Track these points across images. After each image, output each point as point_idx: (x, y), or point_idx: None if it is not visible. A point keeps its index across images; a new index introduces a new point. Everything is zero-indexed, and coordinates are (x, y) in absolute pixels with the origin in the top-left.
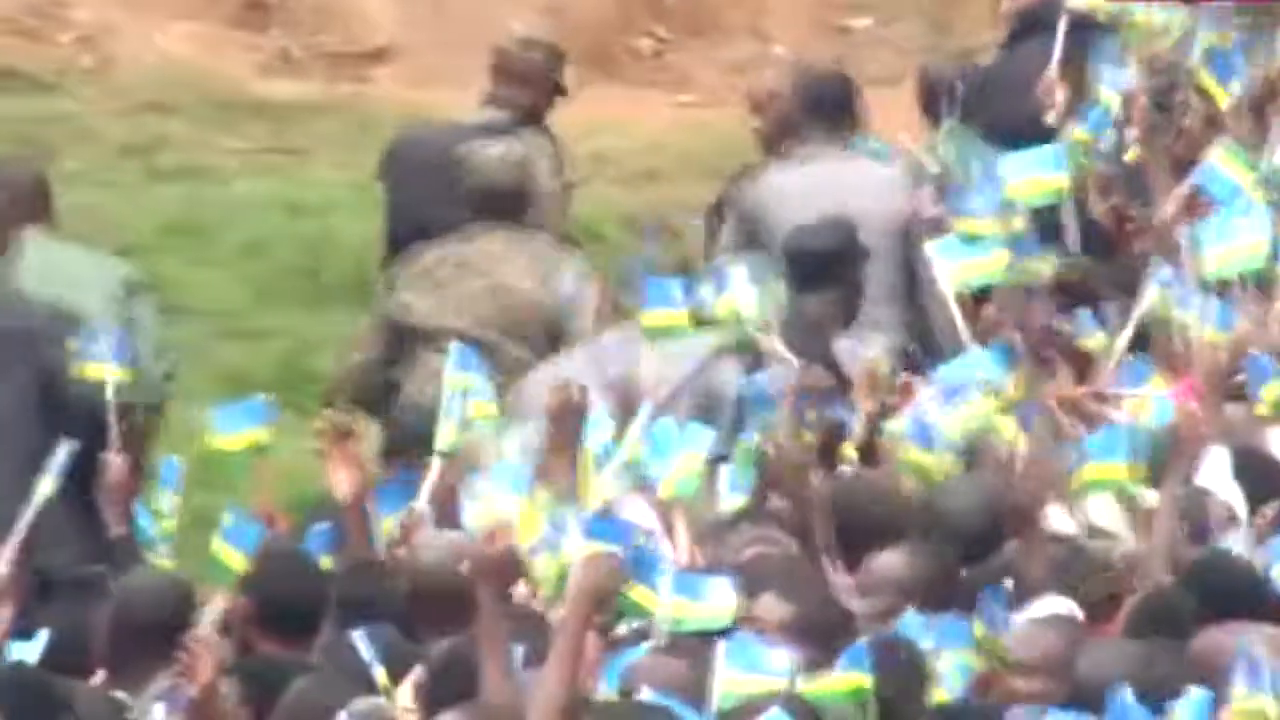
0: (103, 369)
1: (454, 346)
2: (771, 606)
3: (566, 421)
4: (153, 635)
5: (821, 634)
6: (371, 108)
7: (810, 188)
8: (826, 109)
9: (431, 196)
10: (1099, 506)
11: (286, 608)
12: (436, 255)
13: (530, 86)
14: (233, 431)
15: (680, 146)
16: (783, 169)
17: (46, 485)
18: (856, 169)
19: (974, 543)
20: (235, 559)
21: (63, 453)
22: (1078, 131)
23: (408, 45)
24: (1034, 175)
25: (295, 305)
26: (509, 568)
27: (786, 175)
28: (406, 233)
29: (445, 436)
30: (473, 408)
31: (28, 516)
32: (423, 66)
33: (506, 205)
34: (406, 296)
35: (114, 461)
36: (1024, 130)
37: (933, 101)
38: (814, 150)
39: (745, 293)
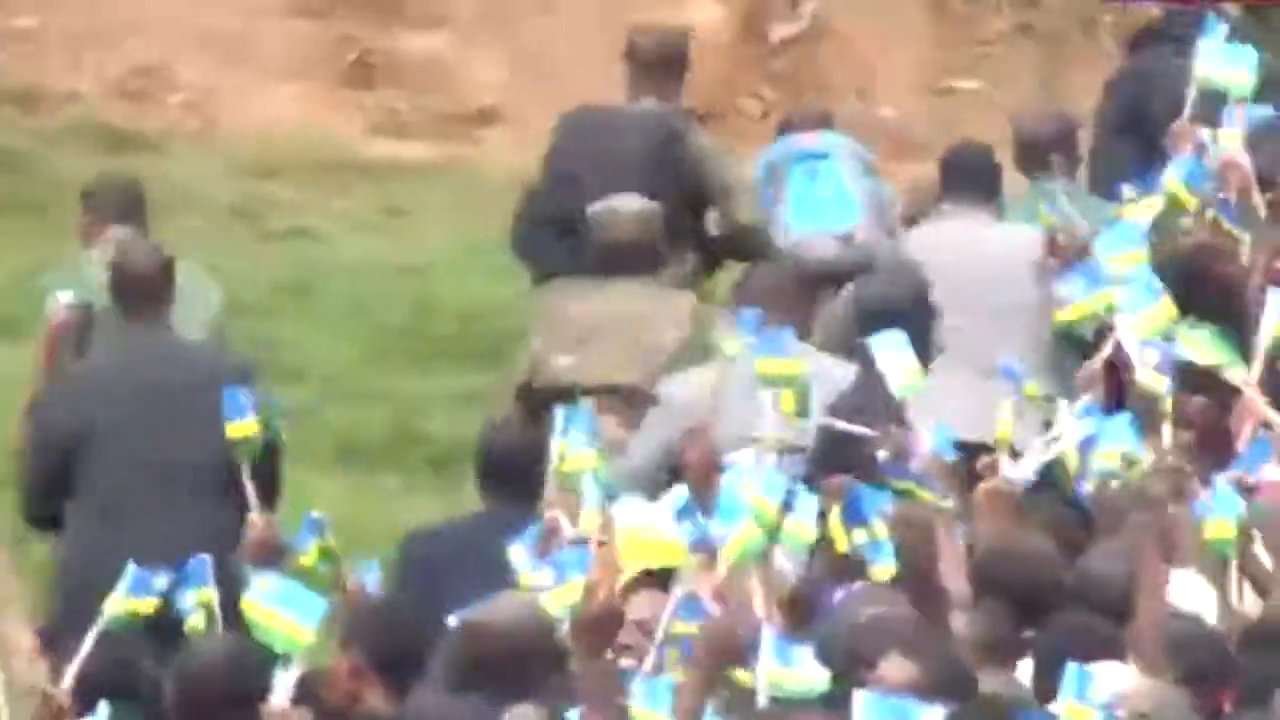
0: (243, 427)
1: (559, 412)
2: (898, 666)
3: (704, 472)
4: (224, 708)
5: (948, 694)
6: (478, 169)
7: (951, 244)
8: (969, 170)
9: (589, 176)
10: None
11: (398, 658)
12: (577, 312)
13: (677, 78)
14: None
15: None
16: (926, 226)
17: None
18: (997, 226)
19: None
20: (300, 630)
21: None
22: (1173, 181)
23: (514, 107)
24: (1123, 251)
25: (402, 366)
26: (610, 624)
27: (930, 232)
28: (552, 212)
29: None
30: (571, 462)
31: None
32: (529, 128)
33: (642, 260)
34: (548, 356)
35: (256, 522)
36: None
37: (1030, 156)
38: (956, 209)
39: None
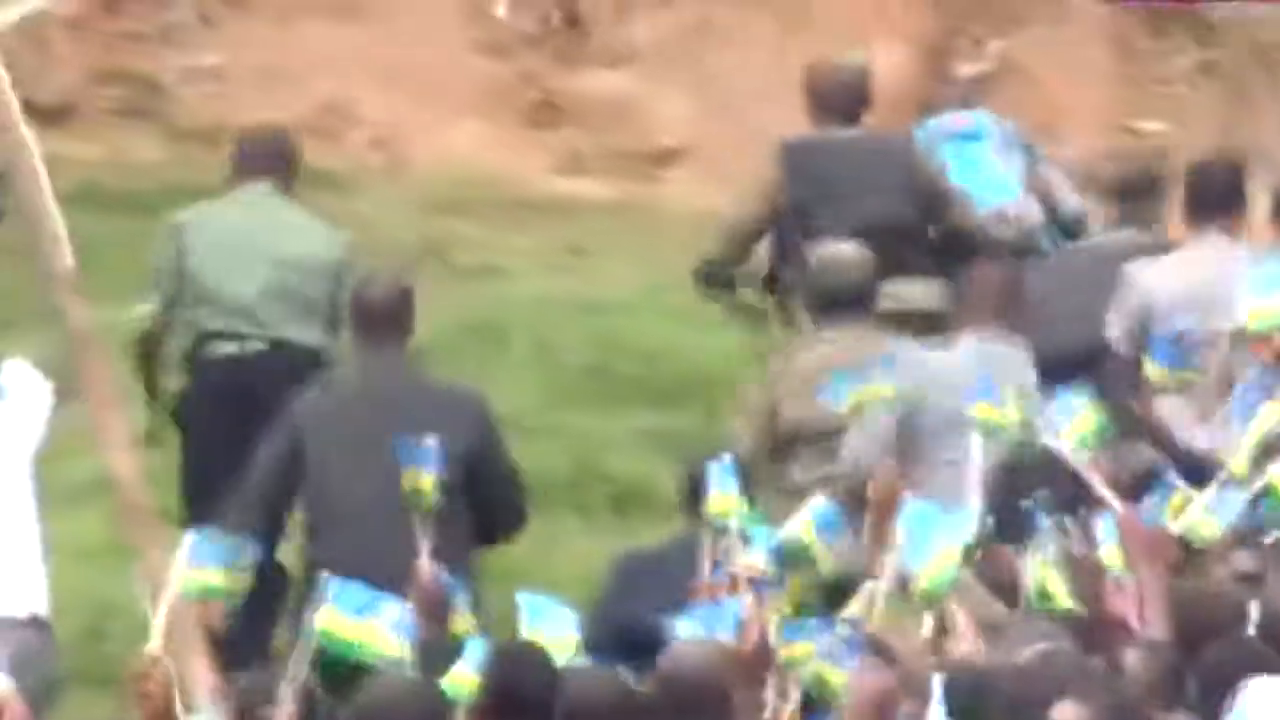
0: (420, 478)
1: (714, 468)
2: (1071, 712)
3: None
4: None
5: None
6: (662, 207)
7: (1191, 275)
8: (1214, 197)
9: (822, 199)
10: None
11: (526, 702)
12: (803, 361)
13: (859, 111)
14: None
15: None
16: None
17: None
18: (1231, 256)
19: None
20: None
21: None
22: None
23: (699, 145)
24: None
25: (585, 405)
26: (761, 664)
27: (1170, 263)
28: (793, 239)
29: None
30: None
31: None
32: (714, 166)
33: (862, 305)
34: (785, 402)
35: (424, 568)
36: None
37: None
38: (1196, 238)
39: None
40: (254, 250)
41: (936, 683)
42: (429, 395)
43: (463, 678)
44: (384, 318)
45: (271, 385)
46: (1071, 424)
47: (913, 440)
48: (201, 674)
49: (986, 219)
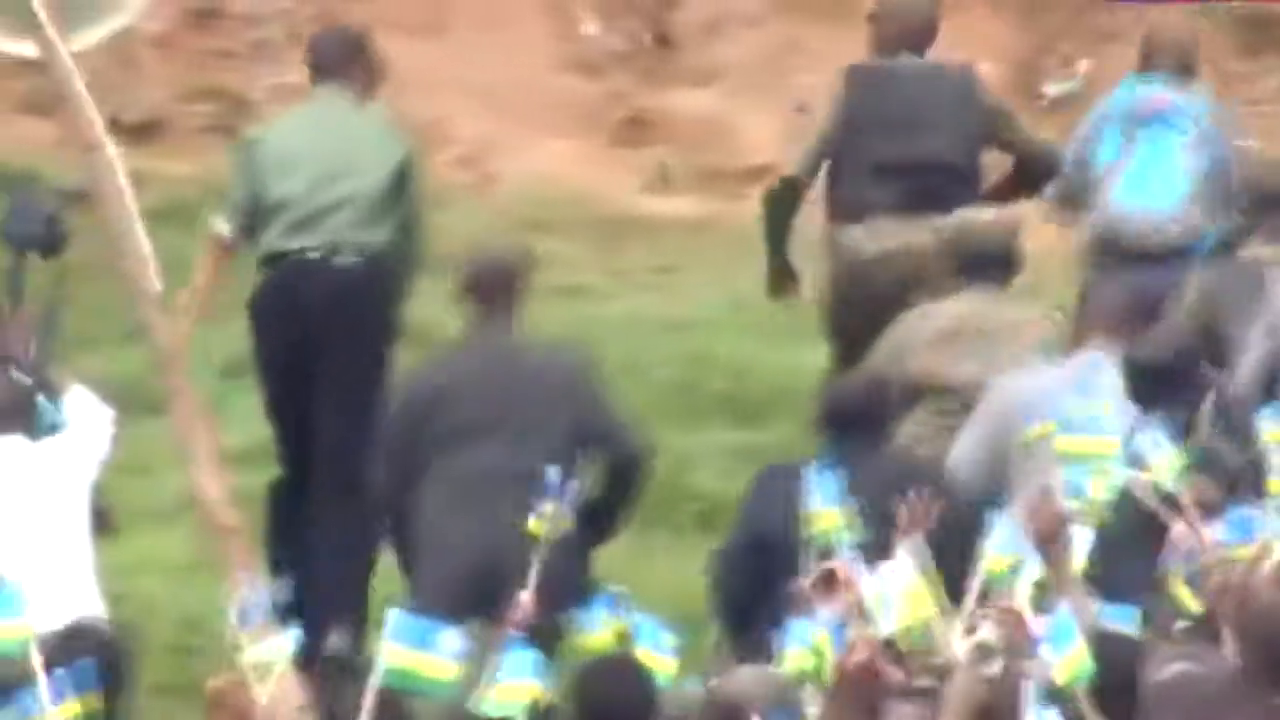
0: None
1: (814, 480)
2: None
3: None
4: None
5: None
6: (750, 226)
7: None
8: None
9: (926, 129)
10: None
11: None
12: (953, 318)
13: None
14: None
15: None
16: None
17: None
18: None
19: None
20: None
21: None
22: None
23: (786, 163)
24: None
25: (674, 422)
26: (871, 680)
27: None
28: (880, 166)
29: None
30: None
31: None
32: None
33: (997, 270)
34: (922, 355)
35: (525, 602)
36: None
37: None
38: None
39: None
40: (314, 158)
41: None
42: (536, 364)
43: (518, 689)
44: (494, 286)
45: (343, 293)
46: (1156, 462)
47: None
48: (289, 694)
49: (1140, 223)
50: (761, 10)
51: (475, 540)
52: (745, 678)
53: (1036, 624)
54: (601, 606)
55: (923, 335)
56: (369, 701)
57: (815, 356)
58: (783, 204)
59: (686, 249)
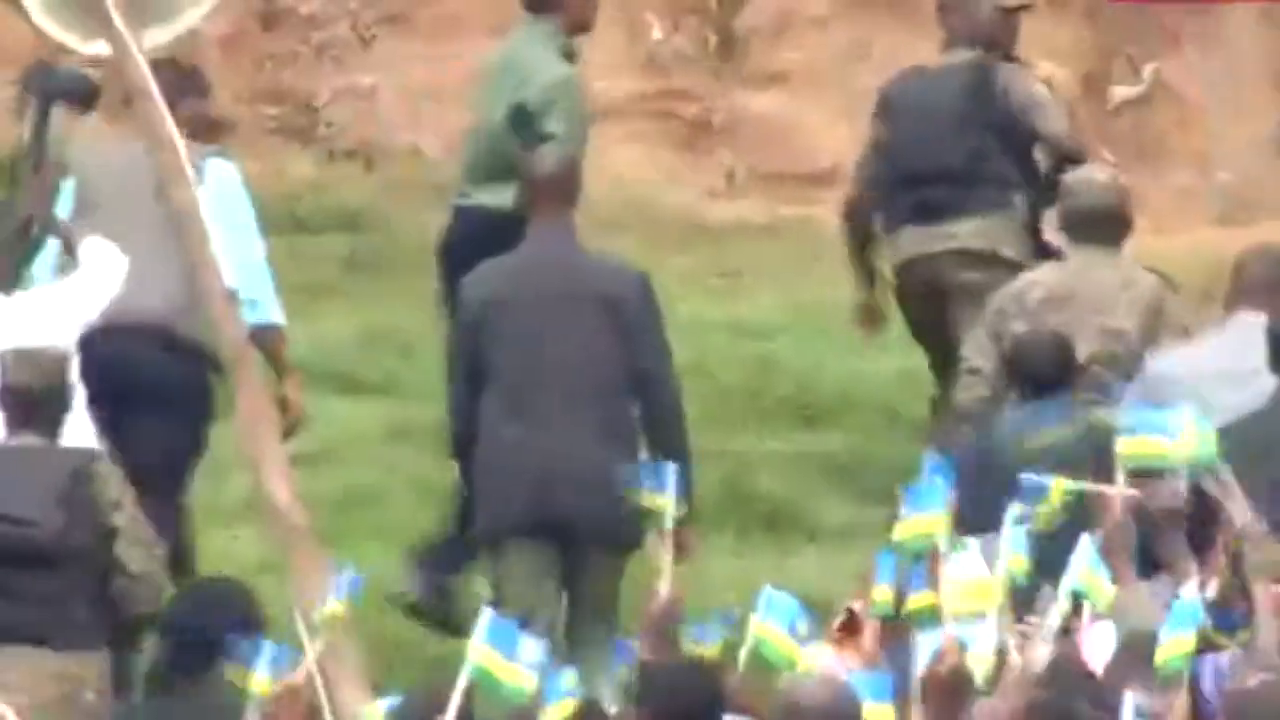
0: (660, 500)
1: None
2: None
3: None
4: None
5: None
6: (816, 230)
7: None
8: None
9: (932, 138)
10: None
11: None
12: (1056, 284)
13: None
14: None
15: None
16: None
17: None
18: None
19: None
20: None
21: None
22: None
23: (851, 167)
24: None
25: (738, 426)
26: (960, 686)
27: None
28: (899, 177)
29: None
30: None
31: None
32: None
33: (1107, 230)
34: (1018, 322)
35: (660, 597)
36: None
37: None
38: None
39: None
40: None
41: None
42: (594, 265)
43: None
44: (552, 190)
45: (467, 248)
46: (1182, 439)
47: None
48: (352, 702)
49: None
50: (828, 11)
51: (529, 451)
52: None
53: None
54: (718, 622)
55: (1027, 302)
56: (457, 699)
57: (880, 363)
58: (854, 230)
59: (752, 253)
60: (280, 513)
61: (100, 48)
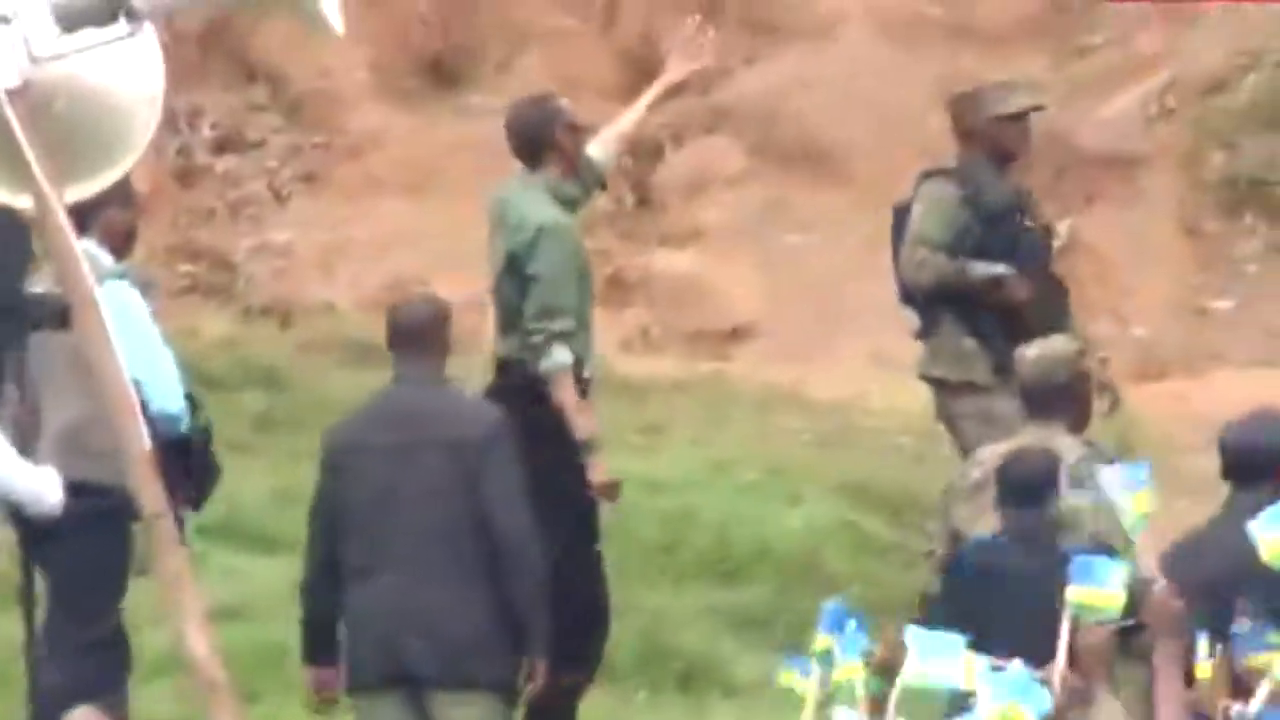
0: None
1: (826, 608)
2: None
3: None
4: None
5: None
6: (730, 386)
7: None
8: None
9: None
10: None
11: None
12: (982, 458)
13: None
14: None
15: None
16: None
17: None
18: None
19: None
20: None
21: None
22: None
23: (769, 323)
24: None
25: (657, 581)
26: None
27: None
28: None
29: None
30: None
31: None
32: (784, 344)
33: (1045, 405)
34: (954, 500)
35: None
36: None
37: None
38: None
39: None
40: None
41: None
42: (445, 410)
43: None
44: (413, 336)
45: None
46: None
47: None
48: None
49: None
50: (743, 169)
51: (377, 604)
52: None
53: None
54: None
55: (963, 486)
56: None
57: (793, 517)
58: None
59: (667, 408)
60: (199, 667)
61: (24, 202)
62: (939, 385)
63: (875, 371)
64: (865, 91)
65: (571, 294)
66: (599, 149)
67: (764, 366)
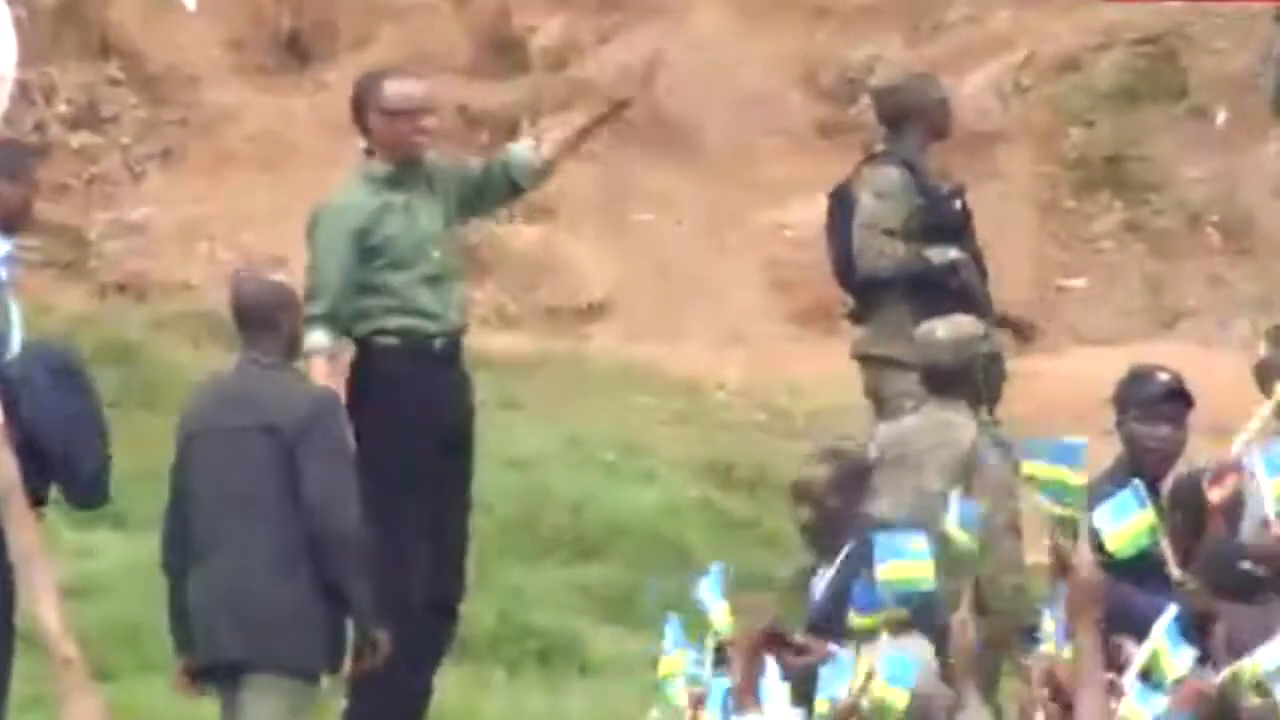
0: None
1: (669, 625)
2: None
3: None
4: None
5: None
6: (587, 363)
7: None
8: None
9: None
10: None
11: None
12: (882, 433)
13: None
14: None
15: None
16: None
17: None
18: None
19: None
20: None
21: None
22: None
23: (625, 300)
24: None
25: (512, 559)
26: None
27: None
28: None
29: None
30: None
31: None
32: (639, 321)
33: (950, 384)
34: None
35: None
36: None
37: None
38: None
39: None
40: None
41: None
42: (267, 394)
43: None
44: (249, 318)
45: None
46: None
47: None
48: None
49: None
50: (596, 146)
51: (202, 590)
52: None
53: None
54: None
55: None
56: None
57: (647, 494)
58: None
59: (524, 385)
60: (52, 644)
61: None
62: (881, 363)
63: (730, 349)
64: (720, 69)
65: (331, 275)
66: (526, 149)
67: (620, 343)
